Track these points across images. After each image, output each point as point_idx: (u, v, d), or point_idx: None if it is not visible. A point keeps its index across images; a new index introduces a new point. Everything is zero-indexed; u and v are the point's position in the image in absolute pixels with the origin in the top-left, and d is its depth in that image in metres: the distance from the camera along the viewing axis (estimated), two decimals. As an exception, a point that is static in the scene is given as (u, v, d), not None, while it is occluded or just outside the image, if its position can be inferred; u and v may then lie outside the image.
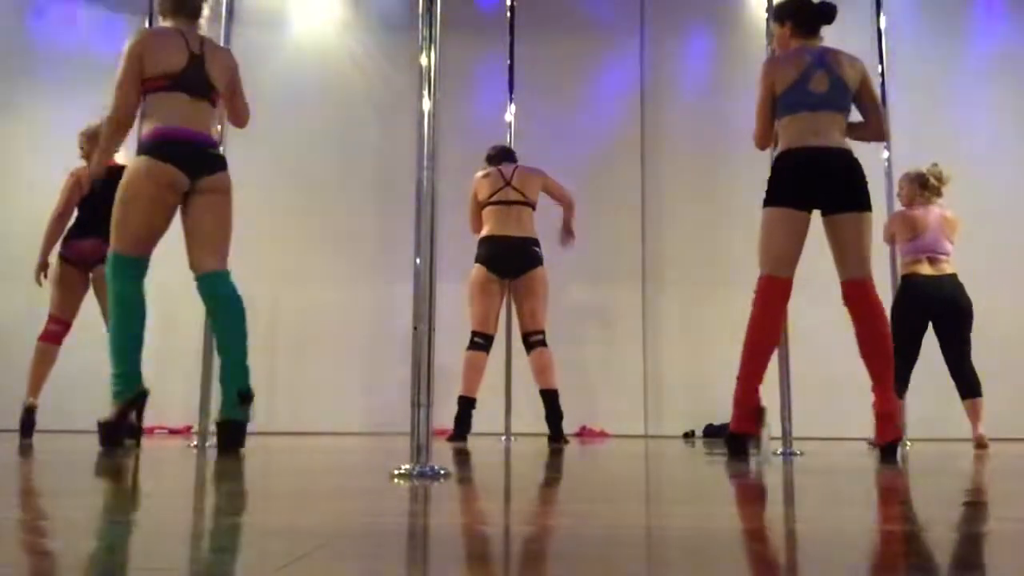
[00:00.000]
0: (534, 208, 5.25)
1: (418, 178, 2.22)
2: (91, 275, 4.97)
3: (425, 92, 2.27)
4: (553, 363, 5.07)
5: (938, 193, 5.10)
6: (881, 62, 5.43)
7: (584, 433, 6.83)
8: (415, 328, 2.15)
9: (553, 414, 5.03)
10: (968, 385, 4.97)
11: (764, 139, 3.71)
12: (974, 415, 4.93)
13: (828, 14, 3.76)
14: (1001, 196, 6.93)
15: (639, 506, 1.70)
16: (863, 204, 3.41)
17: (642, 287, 7.17)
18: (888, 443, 3.36)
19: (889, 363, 3.42)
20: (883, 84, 5.42)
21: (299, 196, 7.12)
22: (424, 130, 2.24)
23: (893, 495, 2.02)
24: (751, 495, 2.01)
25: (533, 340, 5.03)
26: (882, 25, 5.46)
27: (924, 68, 7.11)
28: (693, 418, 6.60)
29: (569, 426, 6.88)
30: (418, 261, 2.19)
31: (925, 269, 4.98)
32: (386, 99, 7.23)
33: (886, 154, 5.38)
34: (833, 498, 1.95)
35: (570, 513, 1.55)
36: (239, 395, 3.33)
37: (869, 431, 5.73)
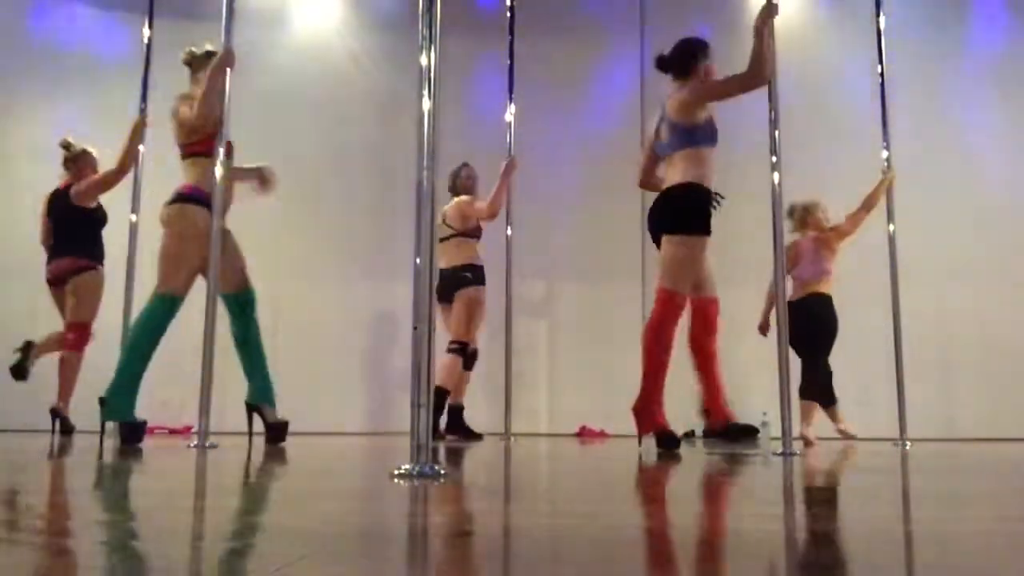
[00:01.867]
0: (470, 235, 5.65)
1: (418, 178, 2.22)
2: (66, 287, 5.39)
3: (425, 92, 2.26)
4: (449, 370, 5.45)
5: (802, 225, 5.40)
6: (881, 62, 5.43)
7: (584, 433, 6.83)
8: (415, 328, 2.15)
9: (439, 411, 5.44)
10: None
11: (643, 178, 4.20)
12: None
13: (665, 61, 4.09)
14: (999, 197, 6.93)
15: (639, 506, 1.70)
16: None
17: (642, 287, 7.17)
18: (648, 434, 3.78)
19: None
20: (883, 84, 5.42)
21: (299, 196, 7.10)
22: (424, 130, 2.24)
23: (893, 496, 2.02)
24: (750, 496, 2.01)
25: (450, 347, 5.50)
26: (882, 25, 5.46)
27: (924, 68, 7.11)
28: (693, 418, 6.59)
29: (569, 426, 6.90)
30: (418, 261, 2.19)
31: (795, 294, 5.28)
32: (386, 99, 7.23)
33: (885, 154, 5.38)
34: (830, 498, 1.95)
35: (570, 513, 1.55)
36: (100, 400, 3.93)
37: (867, 431, 5.75)
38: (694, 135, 3.84)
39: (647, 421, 3.81)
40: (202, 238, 3.87)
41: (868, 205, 5.30)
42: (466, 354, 5.55)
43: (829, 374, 5.30)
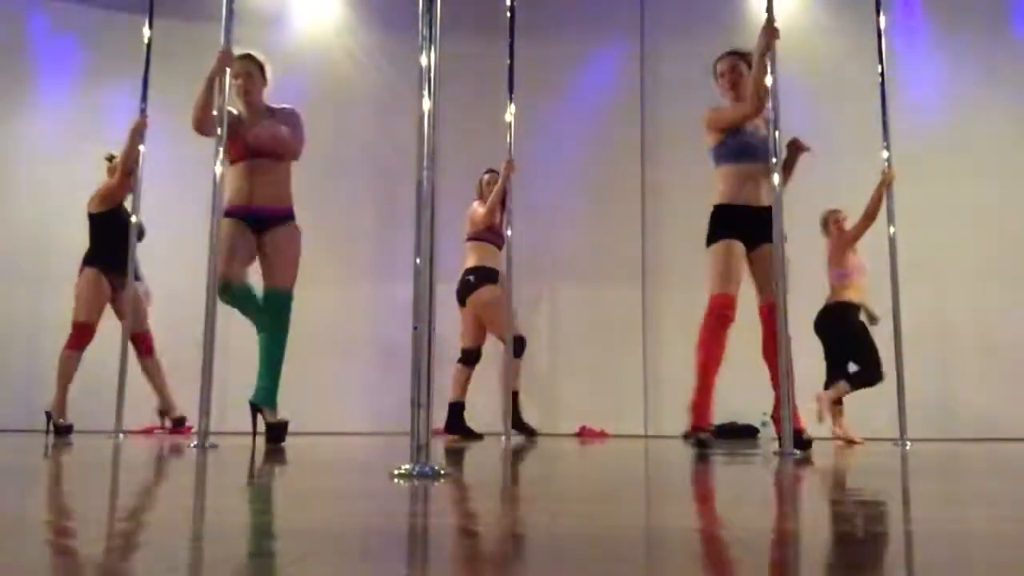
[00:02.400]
0: (479, 239, 5.88)
1: (418, 178, 2.21)
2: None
3: (425, 92, 2.26)
4: (516, 370, 5.70)
5: (825, 232, 5.88)
6: (881, 62, 5.43)
7: (584, 433, 6.82)
8: (415, 328, 2.15)
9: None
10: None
11: None
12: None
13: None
14: (1000, 196, 6.93)
15: (639, 506, 1.71)
16: None
17: (642, 287, 7.17)
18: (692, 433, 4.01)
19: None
20: (883, 84, 5.42)
21: (298, 196, 7.11)
22: (424, 130, 2.24)
23: (891, 495, 2.02)
24: (751, 496, 2.01)
25: (462, 355, 5.87)
26: (882, 25, 5.46)
27: (924, 68, 7.11)
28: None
29: (569, 426, 6.90)
30: (418, 261, 2.19)
31: None
32: (386, 99, 7.23)
33: (885, 154, 5.38)
34: (829, 498, 1.95)
35: (570, 513, 1.55)
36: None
37: (867, 431, 5.75)
38: (716, 155, 4.18)
39: (694, 416, 4.06)
40: (223, 243, 4.03)
41: (869, 213, 5.45)
42: (474, 354, 5.83)
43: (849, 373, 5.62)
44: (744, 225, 4.02)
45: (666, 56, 7.56)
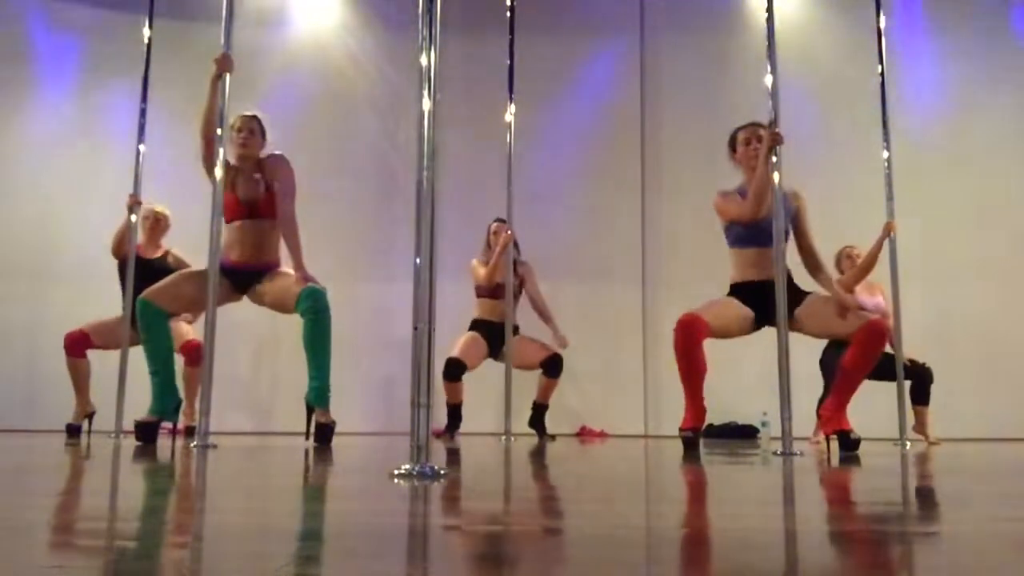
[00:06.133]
0: (482, 295, 5.98)
1: (418, 178, 2.22)
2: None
3: (425, 92, 2.26)
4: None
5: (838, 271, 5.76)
6: (881, 62, 5.43)
7: (584, 433, 6.82)
8: (415, 328, 2.15)
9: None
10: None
11: None
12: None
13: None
14: (1000, 196, 6.93)
15: (639, 506, 1.70)
16: None
17: (642, 287, 7.17)
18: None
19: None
20: (883, 84, 5.42)
21: (299, 196, 7.11)
22: (424, 130, 2.24)
23: (883, 495, 2.02)
24: (751, 496, 2.01)
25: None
26: (882, 25, 5.46)
27: (924, 67, 7.11)
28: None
29: (569, 426, 6.90)
30: (418, 261, 2.19)
31: None
32: (386, 99, 7.23)
33: (886, 154, 5.37)
34: (832, 499, 1.95)
35: (570, 513, 1.55)
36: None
37: (868, 431, 5.75)
38: (727, 236, 4.15)
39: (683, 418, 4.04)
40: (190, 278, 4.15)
41: (865, 265, 5.48)
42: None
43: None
44: (761, 299, 3.95)
45: (666, 56, 7.56)
